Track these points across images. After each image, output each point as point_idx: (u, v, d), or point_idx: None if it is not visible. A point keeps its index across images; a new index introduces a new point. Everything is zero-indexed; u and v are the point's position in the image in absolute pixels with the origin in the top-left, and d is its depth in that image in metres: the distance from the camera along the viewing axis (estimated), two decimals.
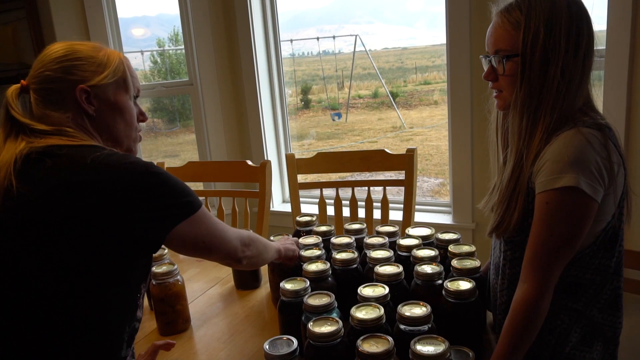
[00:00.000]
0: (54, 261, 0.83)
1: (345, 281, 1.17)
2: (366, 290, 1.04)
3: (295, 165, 2.03)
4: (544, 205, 0.94)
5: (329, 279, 1.16)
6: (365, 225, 1.39)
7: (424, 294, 1.06)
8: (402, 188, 1.91)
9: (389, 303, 1.02)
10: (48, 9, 2.59)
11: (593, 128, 0.94)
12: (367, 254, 1.21)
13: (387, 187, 1.94)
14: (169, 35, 3.77)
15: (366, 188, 1.99)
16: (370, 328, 0.93)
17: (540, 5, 0.95)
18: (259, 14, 2.55)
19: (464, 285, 1.03)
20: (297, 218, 1.47)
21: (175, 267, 1.27)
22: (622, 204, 1.00)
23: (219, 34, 2.59)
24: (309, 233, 1.41)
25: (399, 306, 0.97)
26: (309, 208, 2.51)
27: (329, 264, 1.18)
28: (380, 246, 1.24)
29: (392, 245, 1.27)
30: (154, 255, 0.97)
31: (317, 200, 2.08)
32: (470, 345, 0.93)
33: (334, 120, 7.56)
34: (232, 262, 1.06)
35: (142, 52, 3.53)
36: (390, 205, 1.99)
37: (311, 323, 0.94)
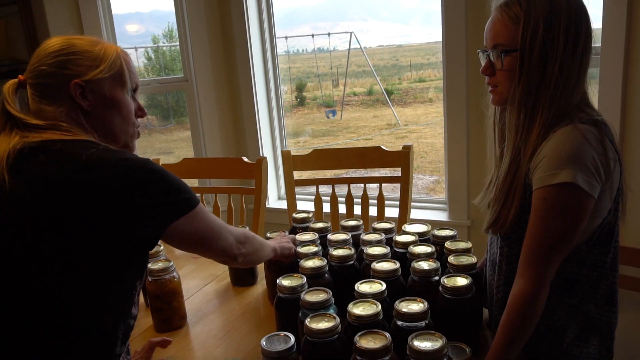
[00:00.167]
0: (48, 258, 0.82)
1: (341, 278, 1.17)
2: (363, 287, 1.04)
3: (291, 162, 2.03)
4: (541, 201, 0.94)
5: (326, 275, 1.16)
6: (361, 222, 1.39)
7: (421, 291, 1.06)
8: (397, 185, 1.91)
9: (386, 299, 1.02)
10: (41, 4, 2.57)
11: (589, 124, 0.95)
12: (364, 251, 1.21)
13: (382, 184, 1.94)
14: (163, 32, 3.75)
15: (361, 185, 1.99)
16: (368, 324, 0.93)
17: (540, 0, 0.95)
18: (254, 10, 2.54)
19: (461, 281, 1.03)
20: (294, 215, 1.47)
21: (172, 263, 1.26)
22: (617, 199, 1.00)
23: (214, 29, 2.58)
24: (306, 230, 1.41)
25: (396, 302, 0.97)
26: (305, 205, 2.50)
27: (325, 261, 1.17)
28: (377, 243, 1.24)
29: (389, 242, 1.27)
30: (149, 251, 0.96)
31: (313, 197, 2.08)
32: (467, 341, 0.94)
33: (328, 117, 7.55)
34: (227, 260, 1.06)
35: (135, 48, 3.50)
36: (386, 202, 1.99)
37: (308, 319, 0.94)
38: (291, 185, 2.04)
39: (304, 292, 1.04)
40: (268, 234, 1.41)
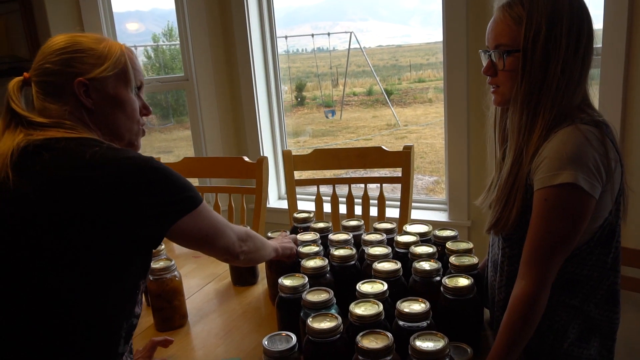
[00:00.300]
0: (51, 256, 0.82)
1: (343, 277, 1.17)
2: (365, 287, 1.04)
3: (292, 162, 2.03)
4: (543, 201, 0.94)
5: (327, 275, 1.16)
6: (362, 222, 1.39)
7: (422, 291, 1.06)
8: (396, 186, 1.91)
9: (388, 299, 1.03)
10: (42, 2, 2.56)
11: (591, 125, 0.95)
12: (365, 251, 1.21)
13: (382, 185, 1.94)
14: (163, 31, 3.75)
15: (360, 185, 1.99)
16: (369, 324, 0.93)
17: (542, 1, 0.95)
18: (255, 9, 2.53)
19: (463, 281, 1.03)
20: (295, 214, 1.47)
21: (173, 262, 1.26)
22: (619, 200, 1.00)
23: (215, 28, 2.58)
24: (307, 229, 1.41)
25: (398, 302, 0.97)
26: (305, 205, 2.50)
27: (327, 261, 1.17)
28: (378, 243, 1.24)
29: (390, 242, 1.27)
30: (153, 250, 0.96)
31: (312, 197, 2.08)
32: (469, 341, 0.94)
33: (327, 117, 7.56)
34: (230, 257, 1.06)
35: (135, 47, 3.50)
36: (386, 202, 1.99)
37: (310, 319, 0.94)
38: (292, 185, 2.04)
39: (305, 292, 1.05)
40: (269, 234, 1.41)
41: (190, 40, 2.55)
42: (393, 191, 2.66)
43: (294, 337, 0.93)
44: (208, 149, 2.69)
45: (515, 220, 1.00)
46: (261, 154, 2.62)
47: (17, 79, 0.95)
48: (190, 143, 2.84)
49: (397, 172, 1.91)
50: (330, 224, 1.41)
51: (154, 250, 1.29)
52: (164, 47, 3.88)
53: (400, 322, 0.95)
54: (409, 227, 1.32)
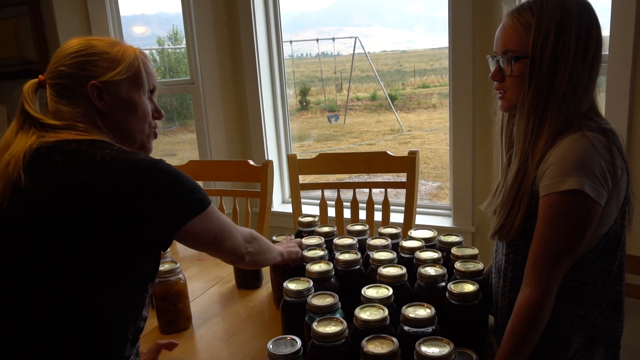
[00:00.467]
0: (62, 258, 0.83)
1: (347, 282, 1.17)
2: (370, 291, 1.04)
3: (297, 166, 2.03)
4: (548, 208, 0.94)
5: (332, 279, 1.16)
6: (367, 226, 1.39)
7: (427, 296, 1.06)
8: (400, 191, 1.91)
9: (393, 304, 1.03)
10: (50, 5, 2.58)
11: (597, 132, 0.95)
12: (370, 255, 1.21)
13: (387, 190, 1.94)
14: (168, 34, 3.77)
15: (364, 190, 1.99)
16: (375, 329, 0.93)
17: (551, 8, 0.95)
18: (261, 14, 2.55)
19: (468, 287, 1.03)
20: (300, 218, 1.47)
21: (178, 265, 1.27)
22: (624, 208, 1.00)
23: (221, 31, 2.59)
24: (311, 234, 1.41)
25: (403, 307, 0.97)
26: (309, 209, 2.51)
27: (332, 265, 1.18)
28: (383, 248, 1.24)
29: (395, 247, 1.27)
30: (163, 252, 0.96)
31: (316, 201, 2.08)
32: (473, 347, 0.93)
33: (330, 122, 7.57)
34: (236, 259, 1.06)
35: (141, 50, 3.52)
36: (391, 207, 1.99)
37: (315, 323, 0.94)
38: (296, 189, 2.04)
39: (310, 296, 1.05)
40: (274, 237, 1.41)
41: (196, 43, 2.56)
42: (396, 196, 2.66)
43: (299, 341, 0.93)
44: (213, 152, 2.70)
45: (520, 226, 1.00)
46: (266, 158, 2.62)
47: (32, 81, 0.96)
48: (194, 146, 2.85)
49: (401, 177, 1.92)
50: (335, 229, 1.41)
51: None
52: (169, 50, 3.90)
53: (406, 328, 0.95)
54: (414, 233, 1.32)
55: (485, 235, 2.16)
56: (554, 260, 0.94)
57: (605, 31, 1.70)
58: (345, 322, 0.94)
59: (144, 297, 0.93)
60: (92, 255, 0.84)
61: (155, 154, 1.02)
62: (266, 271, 1.48)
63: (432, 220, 2.35)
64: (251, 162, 2.03)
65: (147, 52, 1.03)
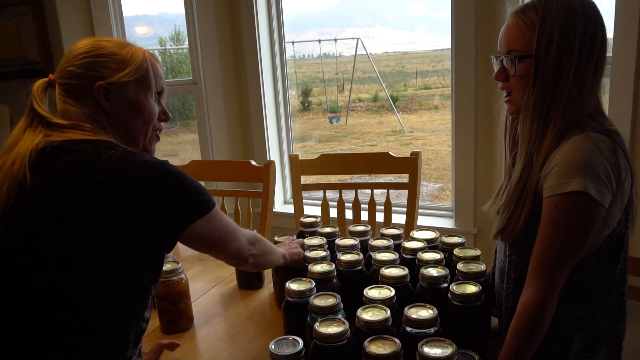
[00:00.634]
0: (65, 258, 0.83)
1: (349, 283, 1.17)
2: (372, 292, 1.04)
3: (299, 167, 2.03)
4: (552, 209, 0.94)
5: (334, 280, 1.16)
6: (369, 227, 1.39)
7: (429, 297, 1.06)
8: (402, 192, 1.91)
9: (395, 305, 1.02)
10: (53, 5, 2.58)
11: (602, 134, 0.94)
12: (372, 256, 1.21)
13: (389, 190, 1.94)
14: (170, 35, 3.77)
15: (366, 191, 1.99)
16: (377, 330, 0.93)
17: (556, 8, 0.95)
18: (264, 14, 2.55)
19: (470, 288, 1.03)
20: (302, 219, 1.47)
21: (180, 265, 1.27)
22: (628, 210, 1.00)
23: (224, 32, 2.59)
24: (313, 234, 1.41)
25: (406, 308, 0.96)
26: (310, 209, 2.51)
27: (334, 265, 1.17)
28: (385, 248, 1.24)
29: (397, 248, 1.27)
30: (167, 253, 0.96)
31: (318, 201, 2.08)
32: (476, 348, 0.93)
33: (332, 123, 7.57)
34: (239, 261, 1.06)
35: None
36: (393, 208, 1.99)
37: (317, 324, 0.94)
38: (298, 190, 2.04)
39: (312, 297, 1.04)
40: (276, 238, 1.41)
41: (199, 44, 2.57)
42: (398, 197, 2.66)
43: (301, 342, 0.93)
44: (215, 152, 2.70)
45: (523, 227, 1.00)
46: (268, 158, 2.63)
47: (42, 80, 0.97)
48: (195, 146, 2.85)
49: (403, 178, 1.91)
50: (337, 229, 1.41)
51: None
52: (171, 50, 3.91)
53: (408, 328, 0.94)
54: (416, 234, 1.32)
55: (487, 237, 2.15)
56: (558, 261, 0.94)
57: (609, 33, 1.69)
58: (347, 323, 0.94)
59: (146, 298, 0.93)
60: (95, 256, 0.84)
61: (157, 154, 1.03)
62: (268, 271, 1.48)
63: (433, 221, 2.34)
64: (253, 163, 2.03)
65: None
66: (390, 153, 1.93)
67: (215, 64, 2.59)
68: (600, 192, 0.91)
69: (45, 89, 0.96)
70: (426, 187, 5.23)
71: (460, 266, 1.11)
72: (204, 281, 1.55)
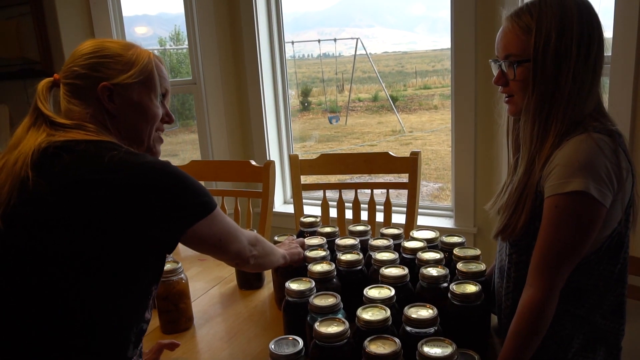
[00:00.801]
0: (66, 258, 0.83)
1: (349, 282, 1.17)
2: (372, 292, 1.04)
3: (299, 166, 2.03)
4: (553, 209, 0.94)
5: (334, 279, 1.16)
6: (369, 227, 1.39)
7: (429, 297, 1.06)
8: (401, 192, 1.91)
9: (395, 305, 1.02)
10: (53, 5, 2.58)
11: (603, 134, 0.94)
12: (372, 256, 1.21)
13: (389, 190, 1.94)
14: (170, 35, 3.77)
15: (366, 190, 1.99)
16: (377, 329, 0.93)
17: (551, 9, 0.95)
18: (263, 14, 2.55)
19: (470, 288, 1.03)
20: (302, 219, 1.47)
21: (180, 265, 1.27)
22: (628, 210, 1.00)
23: (224, 32, 2.59)
24: (313, 234, 1.41)
25: (406, 308, 0.97)
26: (310, 209, 2.51)
27: (334, 265, 1.17)
28: (385, 248, 1.24)
29: (397, 248, 1.27)
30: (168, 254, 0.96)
31: (318, 201, 2.08)
32: (476, 348, 0.93)
33: (331, 123, 7.57)
34: (240, 262, 1.06)
35: None
36: (392, 208, 1.99)
37: (317, 323, 0.94)
38: (298, 190, 2.04)
39: (312, 296, 1.04)
40: (276, 238, 1.41)
41: (198, 44, 2.57)
42: (398, 197, 2.66)
43: (301, 342, 0.93)
44: (215, 152, 2.70)
45: (524, 226, 1.00)
46: (267, 158, 2.63)
47: (47, 79, 0.97)
48: (195, 146, 2.85)
49: (403, 178, 1.91)
50: (336, 229, 1.41)
51: None
52: (171, 50, 3.91)
53: (408, 328, 0.94)
54: (415, 233, 1.32)
55: (486, 237, 2.15)
56: (558, 261, 0.94)
57: (608, 33, 1.69)
58: (347, 323, 0.94)
59: (147, 299, 0.93)
60: (96, 257, 0.84)
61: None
62: (268, 271, 1.48)
63: (433, 221, 2.34)
64: (253, 163, 2.03)
65: None
66: (390, 153, 1.93)
67: (215, 64, 2.59)
68: (602, 192, 0.91)
69: (50, 89, 0.96)
70: (426, 187, 5.23)
71: (460, 266, 1.11)
72: (204, 281, 1.55)
